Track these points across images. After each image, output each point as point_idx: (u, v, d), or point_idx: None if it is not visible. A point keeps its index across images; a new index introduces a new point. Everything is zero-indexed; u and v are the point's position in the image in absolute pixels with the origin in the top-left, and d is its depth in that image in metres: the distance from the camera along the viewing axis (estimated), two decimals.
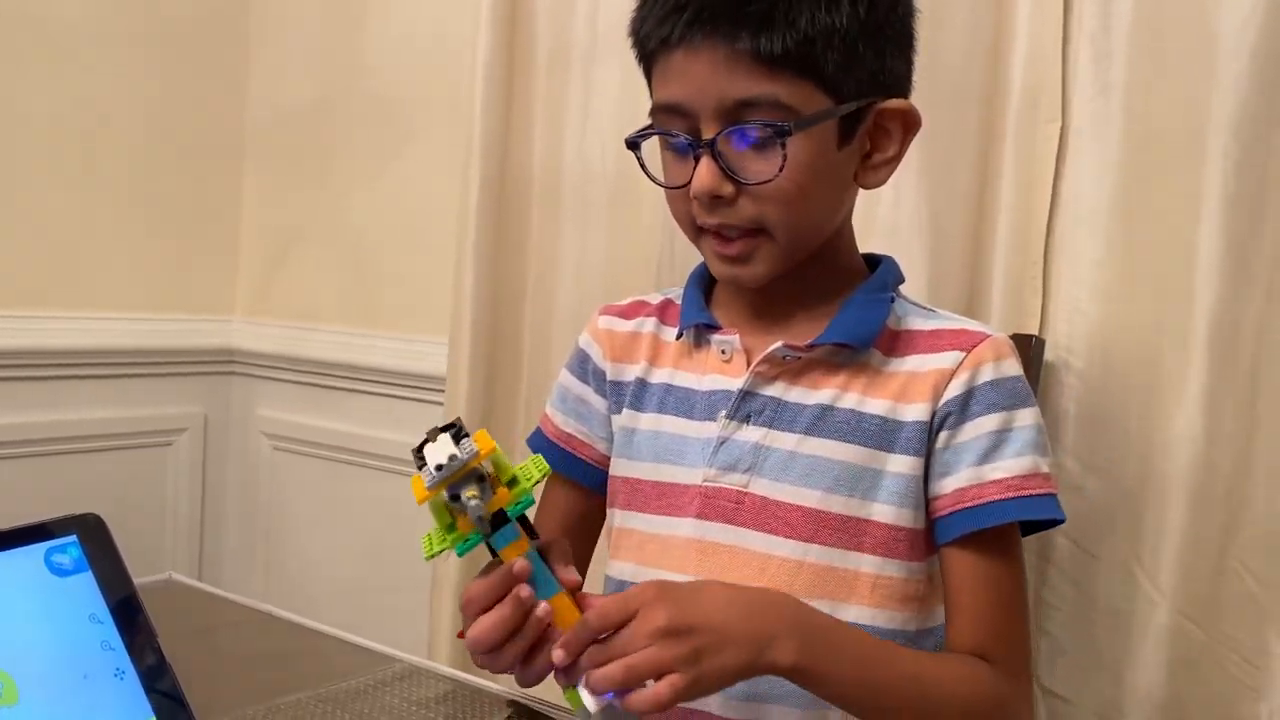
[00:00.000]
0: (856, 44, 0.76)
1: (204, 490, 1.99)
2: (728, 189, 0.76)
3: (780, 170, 0.75)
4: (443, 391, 1.56)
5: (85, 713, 0.56)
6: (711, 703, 0.80)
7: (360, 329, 1.82)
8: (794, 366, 0.83)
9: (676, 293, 0.94)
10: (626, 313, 0.94)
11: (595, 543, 0.96)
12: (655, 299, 0.94)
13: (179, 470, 1.95)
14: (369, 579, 1.80)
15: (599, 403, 0.92)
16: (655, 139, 0.81)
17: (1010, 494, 0.78)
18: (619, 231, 1.43)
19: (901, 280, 0.89)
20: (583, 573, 0.90)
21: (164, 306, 1.90)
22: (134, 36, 1.82)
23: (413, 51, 1.75)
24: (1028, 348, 1.08)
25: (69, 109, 1.75)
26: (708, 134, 0.76)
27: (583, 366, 0.94)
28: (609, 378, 0.92)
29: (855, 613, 0.80)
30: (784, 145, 0.75)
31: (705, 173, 0.76)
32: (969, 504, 0.78)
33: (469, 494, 0.65)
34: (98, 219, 1.81)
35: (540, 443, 0.95)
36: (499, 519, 0.67)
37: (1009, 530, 0.80)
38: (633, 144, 0.82)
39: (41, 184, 1.73)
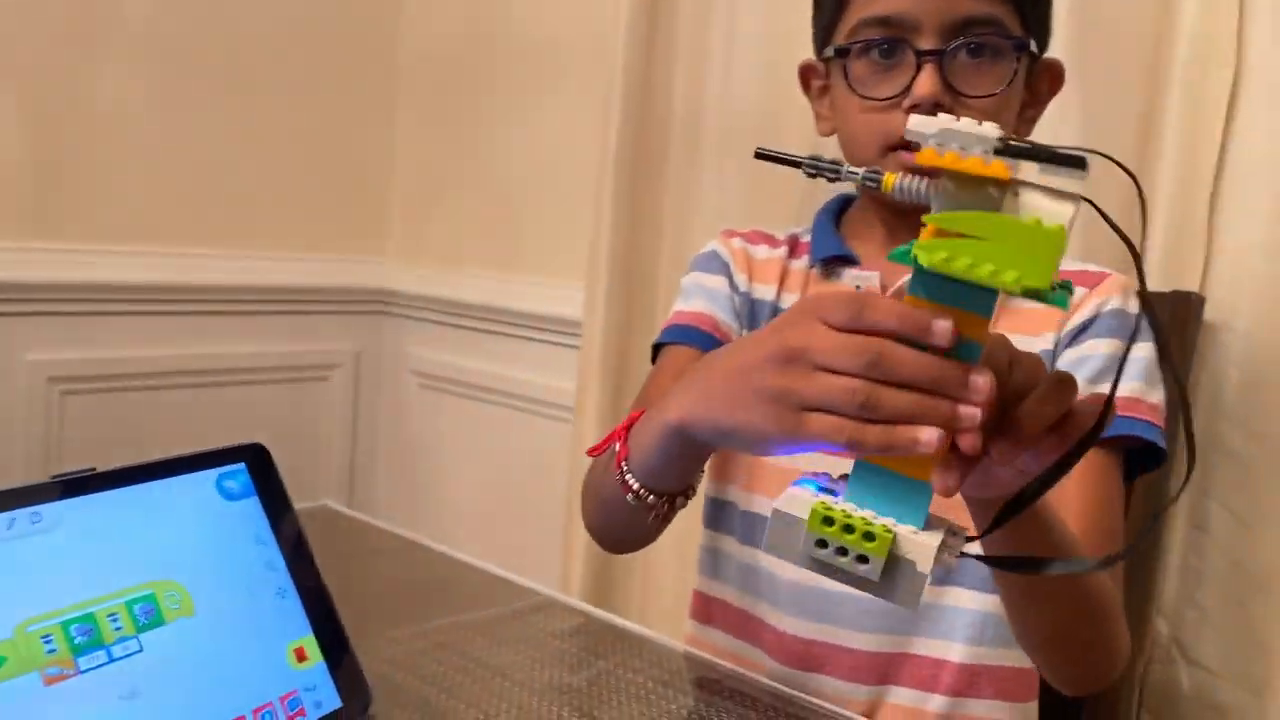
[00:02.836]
0: None
1: (356, 424, 2.09)
2: (947, 99, 0.79)
3: (1008, 84, 0.79)
4: (580, 335, 1.59)
5: (252, 627, 0.60)
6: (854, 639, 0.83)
7: (504, 272, 1.87)
8: None
9: (802, 230, 0.94)
10: (751, 238, 0.96)
11: None
12: (780, 234, 0.95)
13: (334, 404, 2.05)
14: (507, 512, 1.86)
15: (735, 295, 0.92)
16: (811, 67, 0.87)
17: (1119, 412, 0.78)
18: (759, 173, 1.42)
19: None
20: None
21: (320, 247, 1.99)
22: None
23: None
24: (1188, 305, 1.04)
25: (223, 47, 1.83)
26: (926, 46, 0.78)
27: (717, 265, 0.94)
28: (741, 289, 0.93)
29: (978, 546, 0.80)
30: (1018, 59, 0.80)
31: (929, 80, 0.78)
32: None
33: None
34: (255, 159, 1.89)
35: (671, 333, 0.92)
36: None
37: (1114, 448, 0.80)
38: (843, 51, 0.83)
39: (201, 123, 1.82)
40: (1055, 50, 0.88)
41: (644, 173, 1.53)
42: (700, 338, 0.90)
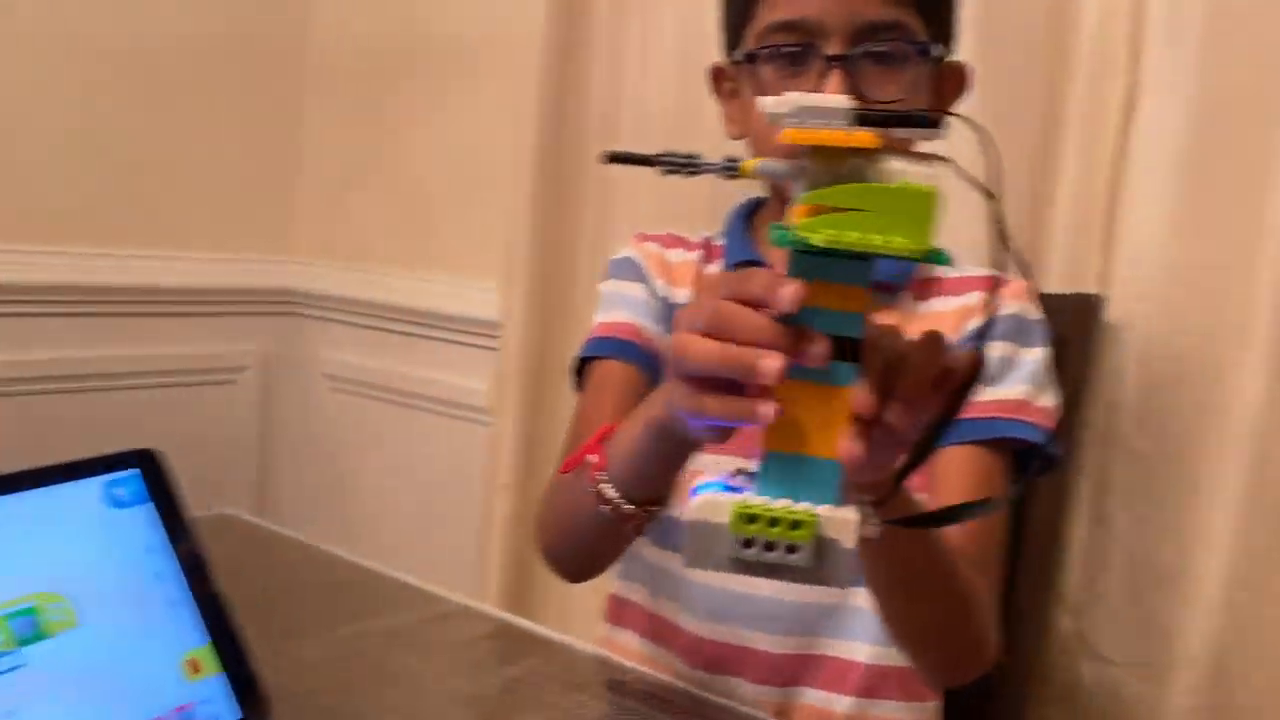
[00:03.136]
0: None
1: (265, 428, 2.04)
2: None
3: (914, 89, 0.79)
4: (497, 337, 1.57)
5: (141, 638, 0.58)
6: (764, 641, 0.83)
7: (418, 271, 1.84)
8: None
9: (715, 233, 0.94)
10: (666, 241, 0.95)
11: None
12: (694, 238, 0.95)
13: (241, 408, 2.00)
14: (423, 518, 1.83)
15: (653, 300, 0.92)
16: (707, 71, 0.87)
17: (1003, 414, 0.81)
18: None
19: None
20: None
21: (225, 246, 1.94)
22: None
23: None
24: (1088, 306, 1.06)
25: (127, 41, 1.77)
26: (832, 51, 0.78)
27: (634, 272, 0.93)
28: (659, 294, 0.92)
29: None
30: (924, 62, 0.80)
31: (836, 86, 0.78)
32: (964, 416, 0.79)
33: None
34: (156, 157, 1.83)
35: (596, 346, 0.91)
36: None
37: (1000, 449, 0.81)
38: (751, 57, 0.83)
39: (103, 121, 1.76)
40: (960, 54, 0.90)
41: (562, 172, 1.52)
42: (626, 348, 0.89)
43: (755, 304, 0.49)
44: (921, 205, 0.46)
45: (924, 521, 0.58)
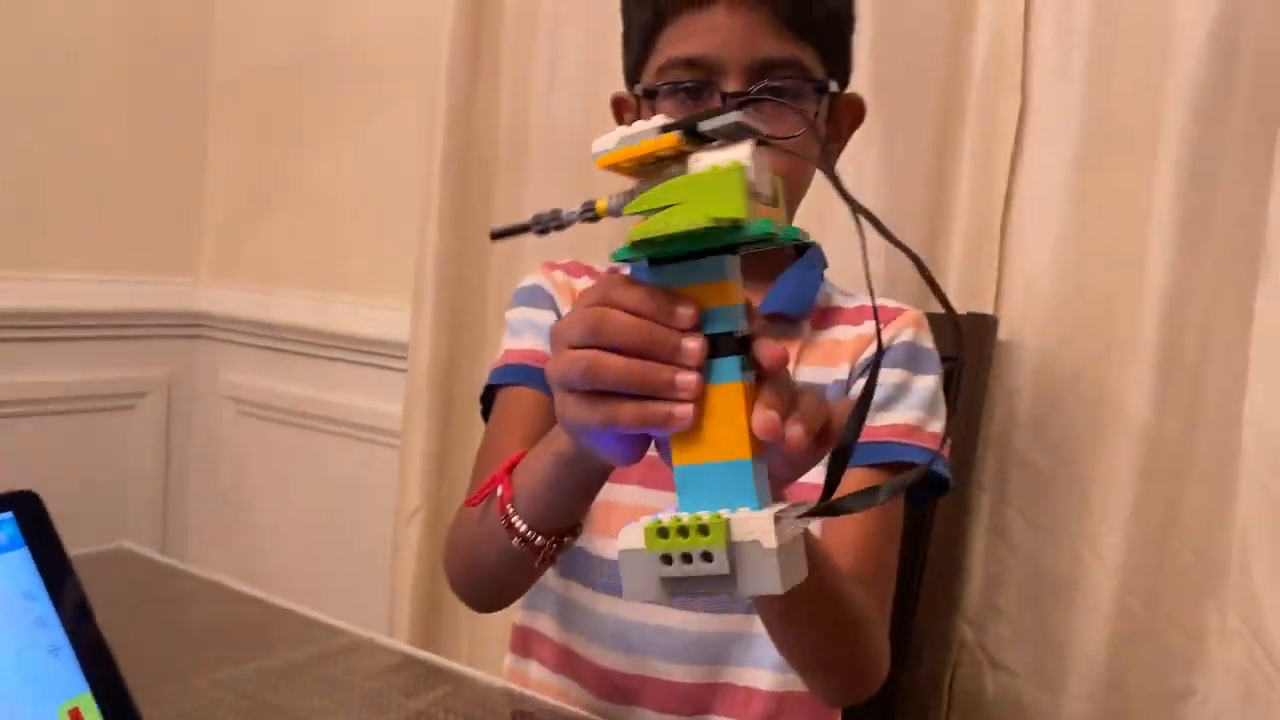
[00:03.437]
0: (846, 26, 0.85)
1: (168, 456, 1.98)
2: None
3: (805, 129, 0.79)
4: (406, 358, 1.55)
5: (18, 689, 0.56)
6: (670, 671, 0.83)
7: (324, 292, 1.81)
8: None
9: (622, 263, 0.94)
10: (573, 270, 0.95)
11: None
12: (600, 266, 0.95)
13: (142, 435, 1.94)
14: (332, 546, 1.80)
15: None
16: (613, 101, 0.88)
17: (896, 438, 0.82)
18: (585, 195, 1.42)
19: (827, 265, 0.93)
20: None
21: (127, 267, 1.88)
22: None
23: (380, 13, 1.73)
24: (983, 325, 1.09)
25: (29, 61, 1.72)
26: (731, 88, 0.79)
27: (543, 299, 0.92)
28: None
29: None
30: (819, 100, 0.81)
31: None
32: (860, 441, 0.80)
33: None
34: (61, 177, 1.78)
35: (504, 374, 0.90)
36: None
37: (894, 473, 0.82)
38: (651, 92, 0.83)
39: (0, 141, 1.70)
40: (857, 84, 0.92)
41: (470, 192, 1.51)
42: (535, 375, 0.88)
43: (638, 314, 0.50)
44: (729, 181, 0.47)
45: (844, 508, 0.56)
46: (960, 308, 1.10)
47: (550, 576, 0.89)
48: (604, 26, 1.35)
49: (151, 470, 1.96)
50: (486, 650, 1.48)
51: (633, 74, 0.87)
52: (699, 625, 0.83)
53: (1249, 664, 0.99)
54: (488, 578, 0.78)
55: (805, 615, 0.70)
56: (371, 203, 1.76)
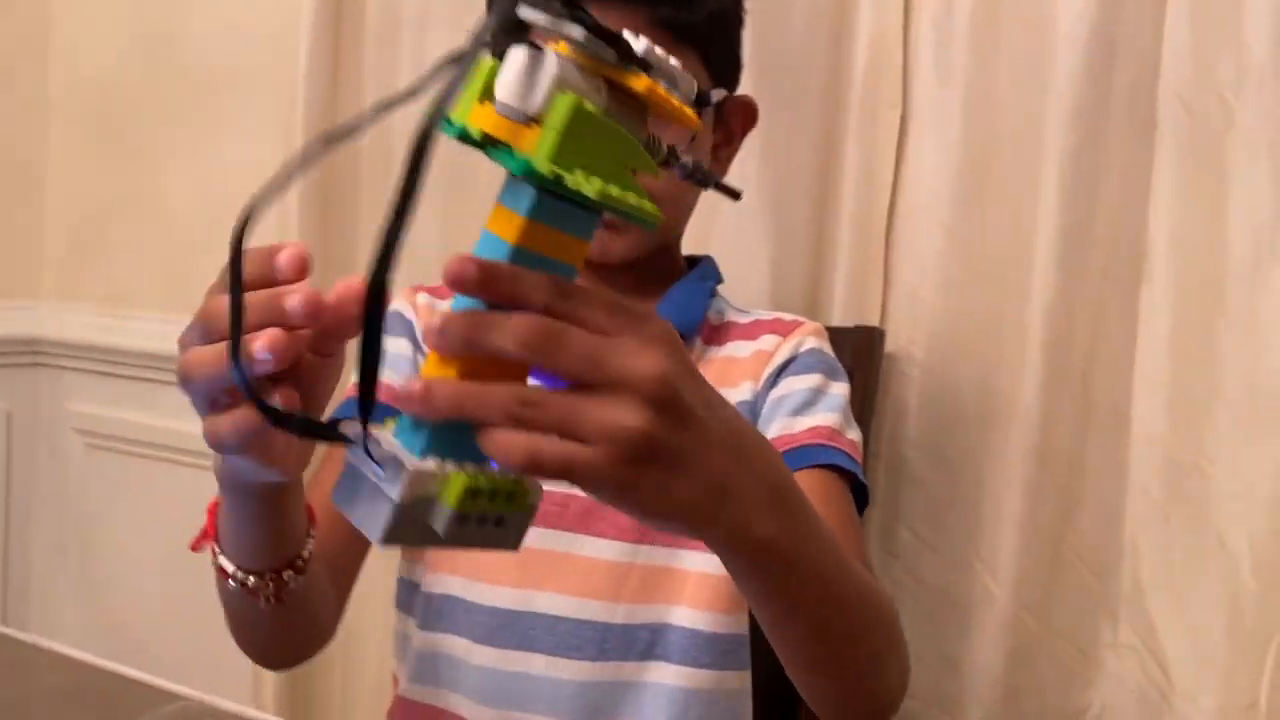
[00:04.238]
0: (733, 30, 0.83)
1: (8, 495, 1.83)
2: None
3: (690, 140, 0.75)
4: None
5: None
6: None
7: (177, 315, 1.68)
8: None
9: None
10: (441, 292, 0.89)
11: None
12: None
13: None
14: (194, 595, 1.67)
15: (418, 357, 0.84)
16: None
17: (820, 440, 0.78)
18: (454, 210, 1.35)
19: (720, 280, 0.89)
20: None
21: None
22: None
23: (232, 20, 1.63)
24: (870, 338, 1.06)
25: None
26: None
27: (399, 326, 0.85)
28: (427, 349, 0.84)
29: (683, 614, 0.78)
30: (702, 110, 0.77)
31: None
32: (783, 449, 0.76)
33: None
34: None
35: (345, 408, 0.81)
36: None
37: (831, 474, 0.77)
38: None
39: None
40: (743, 88, 0.88)
41: (331, 208, 1.42)
42: (380, 411, 0.80)
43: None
44: (474, 82, 0.44)
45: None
46: (847, 320, 1.08)
47: (415, 632, 0.82)
48: (469, 32, 1.29)
49: None
50: (356, 704, 1.39)
51: None
52: (585, 675, 0.77)
53: (1142, 675, 0.99)
54: (239, 628, 0.71)
55: (816, 600, 0.53)
56: (225, 221, 1.59)
